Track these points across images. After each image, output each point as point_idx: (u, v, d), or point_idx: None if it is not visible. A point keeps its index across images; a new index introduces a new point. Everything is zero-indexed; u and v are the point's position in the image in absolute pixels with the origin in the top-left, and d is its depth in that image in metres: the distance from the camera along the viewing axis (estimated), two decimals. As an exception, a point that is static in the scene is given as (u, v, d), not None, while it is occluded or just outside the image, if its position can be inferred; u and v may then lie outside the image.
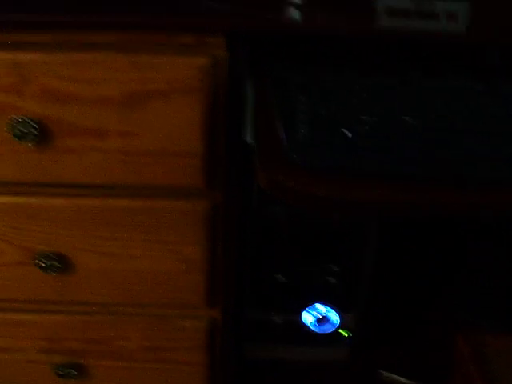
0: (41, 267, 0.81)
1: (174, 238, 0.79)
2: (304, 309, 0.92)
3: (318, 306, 0.91)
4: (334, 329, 0.93)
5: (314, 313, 0.92)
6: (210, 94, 0.70)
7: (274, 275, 0.88)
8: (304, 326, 0.93)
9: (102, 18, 0.69)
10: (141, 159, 0.74)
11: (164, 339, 0.88)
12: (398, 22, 0.80)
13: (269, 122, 0.63)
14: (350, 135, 0.59)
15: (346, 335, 0.94)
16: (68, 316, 0.88)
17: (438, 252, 0.90)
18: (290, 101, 0.66)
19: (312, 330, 0.93)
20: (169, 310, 0.86)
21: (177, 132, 0.72)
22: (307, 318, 0.92)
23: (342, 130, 0.60)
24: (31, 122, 0.71)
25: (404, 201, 0.56)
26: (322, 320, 0.92)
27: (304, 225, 0.84)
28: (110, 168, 0.75)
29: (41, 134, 0.72)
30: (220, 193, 0.78)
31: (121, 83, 0.70)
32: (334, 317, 0.92)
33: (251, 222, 0.85)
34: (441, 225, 0.89)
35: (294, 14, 0.79)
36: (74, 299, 0.86)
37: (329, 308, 0.91)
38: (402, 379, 1.01)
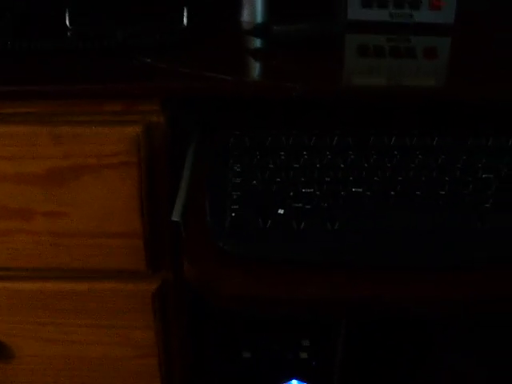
0: (-24, 356, 0.73)
1: (121, 323, 0.71)
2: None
3: (290, 382, 0.82)
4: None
5: (286, 389, 0.83)
6: (145, 167, 0.62)
7: (240, 352, 0.80)
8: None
9: (18, 86, 0.60)
10: (73, 241, 0.65)
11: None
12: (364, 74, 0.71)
13: (198, 202, 0.56)
14: (284, 216, 0.51)
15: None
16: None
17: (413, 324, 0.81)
18: (225, 173, 0.57)
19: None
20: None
21: (111, 210, 0.64)
22: (280, 394, 0.83)
23: (277, 210, 0.52)
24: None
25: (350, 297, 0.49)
26: (296, 397, 0.83)
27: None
28: (40, 251, 0.66)
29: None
30: (168, 271, 0.69)
31: (43, 159, 0.62)
32: (309, 393, 0.83)
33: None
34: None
35: (246, 70, 0.70)
36: (18, 387, 0.77)
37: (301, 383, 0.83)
38: None
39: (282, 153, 0.60)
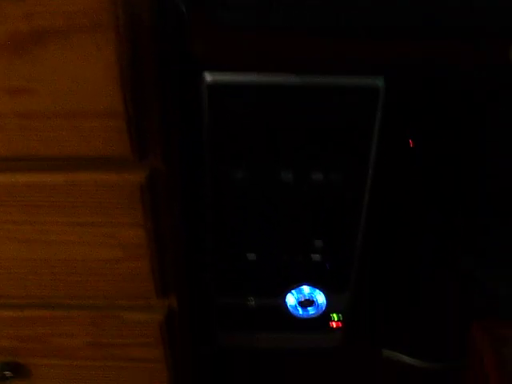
0: None
1: (104, 220, 0.62)
2: (283, 291, 0.75)
3: (301, 287, 0.74)
4: (321, 312, 0.77)
5: (296, 295, 0.75)
6: (125, 28, 0.51)
7: (245, 253, 0.71)
8: (286, 310, 0.76)
9: None
10: (43, 123, 0.55)
11: (111, 335, 0.72)
12: None
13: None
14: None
15: (337, 318, 0.78)
16: (-7, 311, 0.72)
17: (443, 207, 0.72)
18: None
19: (295, 315, 0.77)
20: (113, 301, 0.70)
21: (86, 85, 0.53)
22: (289, 300, 0.75)
23: None
24: None
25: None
26: (306, 303, 0.75)
27: (276, 189, 0.66)
28: (6, 135, 0.56)
29: None
30: (157, 158, 0.59)
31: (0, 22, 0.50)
32: (321, 298, 0.75)
33: (209, 189, 0.67)
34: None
35: None
36: (-4, 293, 0.69)
37: (313, 289, 0.74)
38: (406, 358, 0.85)
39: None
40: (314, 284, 0.73)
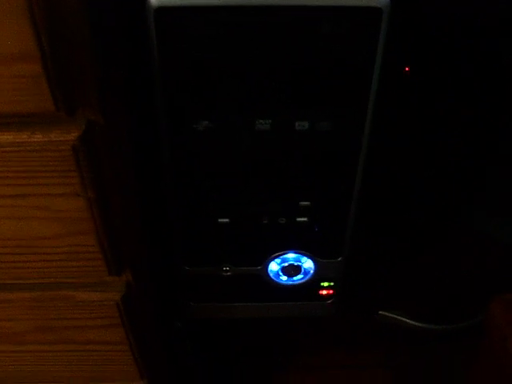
0: None
1: (34, 190, 0.49)
2: (263, 259, 0.63)
3: (284, 255, 0.62)
4: (308, 280, 0.65)
5: (280, 262, 0.63)
6: None
7: (215, 218, 0.59)
8: (267, 278, 0.65)
9: None
10: None
11: (62, 317, 0.61)
12: None
13: None
14: None
15: (327, 285, 0.66)
16: None
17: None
18: None
19: (279, 283, 0.65)
20: (59, 281, 0.58)
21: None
22: (272, 268, 0.64)
23: None
24: None
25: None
26: (291, 270, 0.64)
27: (251, 141, 0.53)
28: None
29: None
30: (94, 110, 0.46)
31: None
32: (308, 265, 0.64)
33: (167, 143, 0.53)
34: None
35: None
36: None
37: (300, 256, 0.63)
38: (406, 319, 0.76)
39: None
40: (300, 251, 0.62)
